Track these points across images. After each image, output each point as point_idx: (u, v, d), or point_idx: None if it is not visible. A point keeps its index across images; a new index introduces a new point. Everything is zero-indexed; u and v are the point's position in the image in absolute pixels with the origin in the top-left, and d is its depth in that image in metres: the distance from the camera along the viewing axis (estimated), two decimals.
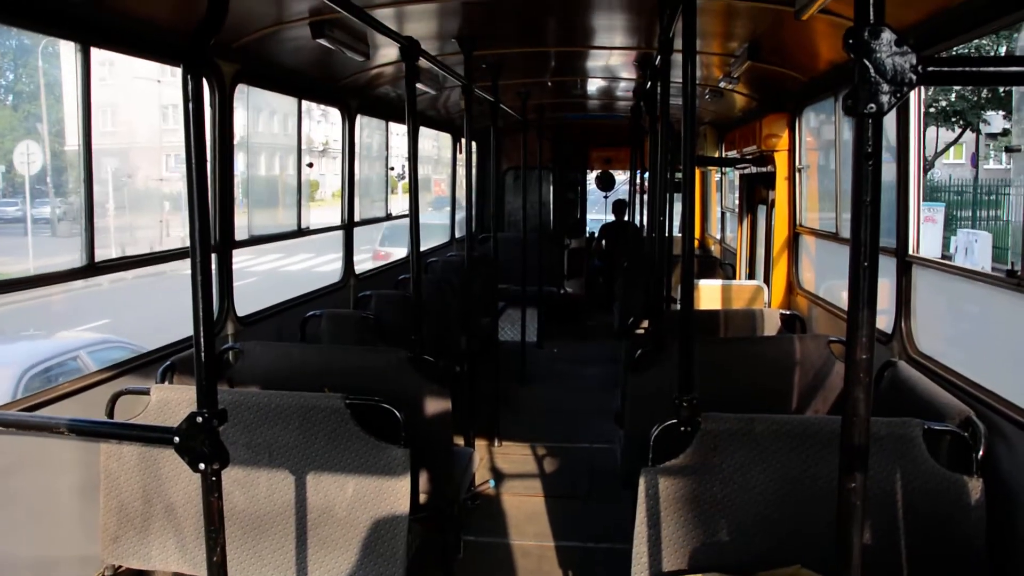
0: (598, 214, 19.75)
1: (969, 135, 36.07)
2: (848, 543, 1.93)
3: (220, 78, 5.34)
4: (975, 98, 32.27)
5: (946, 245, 23.89)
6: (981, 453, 3.37)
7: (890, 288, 4.78)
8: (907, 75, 1.71)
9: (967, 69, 1.79)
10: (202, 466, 2.46)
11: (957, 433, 3.43)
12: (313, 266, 27.71)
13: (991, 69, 1.85)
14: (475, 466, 6.01)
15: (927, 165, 33.55)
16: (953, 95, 32.42)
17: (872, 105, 1.73)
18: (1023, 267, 3.70)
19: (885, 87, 1.72)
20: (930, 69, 1.72)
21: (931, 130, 33.87)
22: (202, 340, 2.48)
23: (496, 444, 7.83)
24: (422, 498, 4.75)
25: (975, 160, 37.44)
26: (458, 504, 5.39)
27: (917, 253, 4.74)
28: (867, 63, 1.72)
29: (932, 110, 32.26)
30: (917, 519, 3.30)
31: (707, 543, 3.41)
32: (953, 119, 33.72)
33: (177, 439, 2.46)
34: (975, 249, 20.80)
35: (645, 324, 6.12)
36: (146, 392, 4.09)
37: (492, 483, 6.89)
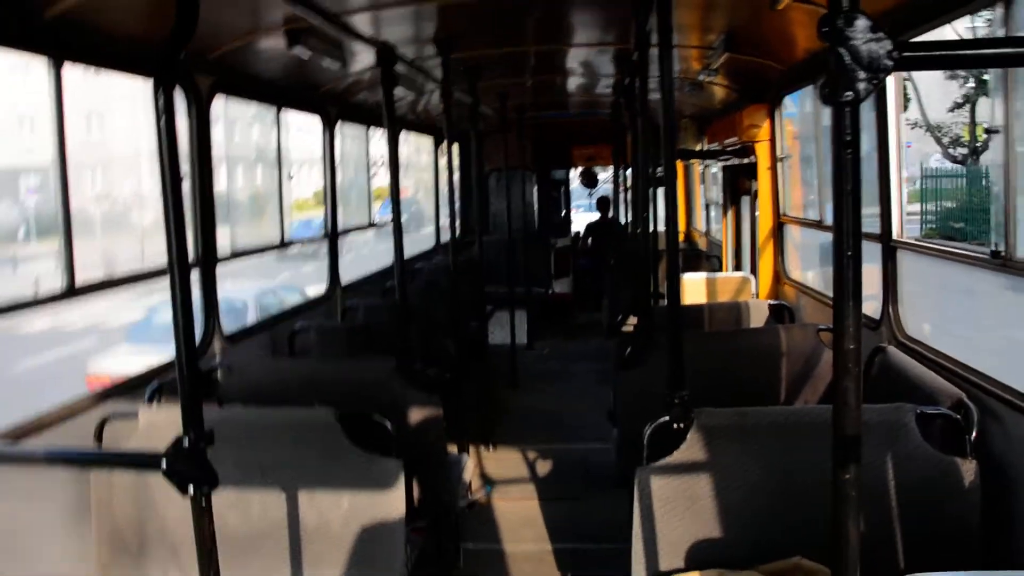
0: (586, 212, 19.71)
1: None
2: (844, 532, 1.91)
3: (197, 90, 5.29)
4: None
5: None
6: (974, 435, 3.37)
7: (876, 273, 4.78)
8: (883, 61, 1.70)
9: (944, 53, 1.77)
10: (191, 490, 2.42)
11: (950, 416, 3.43)
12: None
13: (968, 52, 1.84)
14: (470, 473, 5.98)
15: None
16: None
17: (849, 93, 1.71)
18: (1007, 247, 3.70)
19: (861, 74, 1.70)
20: (906, 54, 1.71)
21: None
22: (184, 360, 2.45)
23: (490, 449, 7.80)
24: (418, 508, 4.72)
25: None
26: (455, 512, 5.36)
27: (901, 237, 4.75)
28: (842, 50, 1.70)
29: None
30: (913, 504, 3.30)
31: (706, 539, 3.39)
32: None
33: (164, 464, 2.42)
34: None
35: (634, 321, 6.11)
36: (134, 416, 4.04)
37: (488, 489, 6.86)
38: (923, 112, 32.47)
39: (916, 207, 30.10)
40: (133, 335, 14.55)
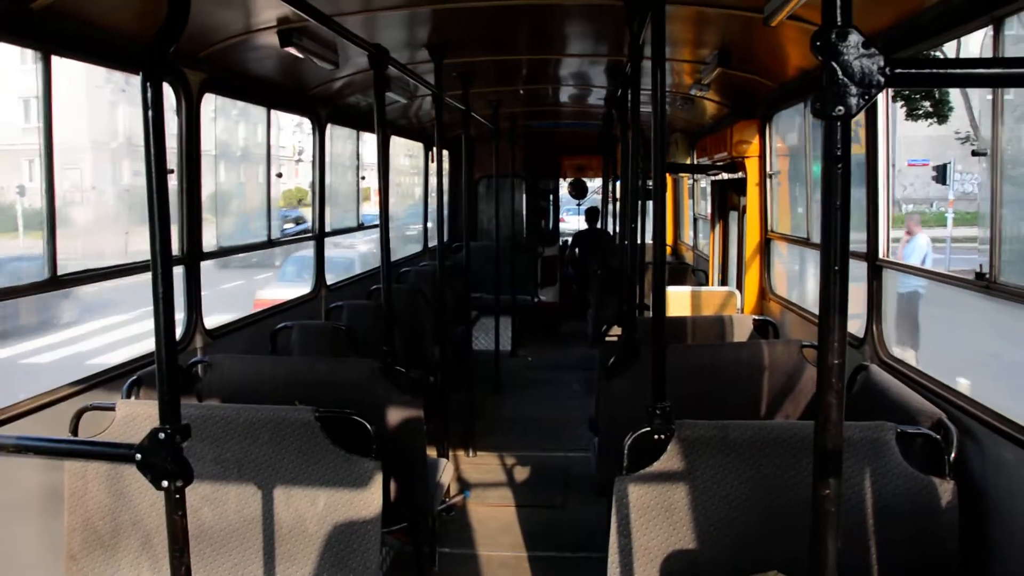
0: (573, 215, 19.66)
1: None
2: (823, 548, 1.91)
3: (187, 87, 5.27)
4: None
5: None
6: (953, 456, 3.39)
7: (860, 292, 4.80)
8: (875, 77, 1.70)
9: (935, 71, 1.78)
10: (165, 483, 2.39)
11: (929, 436, 3.44)
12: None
13: (959, 71, 1.85)
14: (449, 477, 5.96)
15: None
16: None
17: (840, 107, 1.72)
18: (991, 269, 3.72)
19: (853, 89, 1.71)
20: (898, 71, 1.71)
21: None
22: (163, 354, 2.42)
23: (471, 454, 7.78)
24: (395, 510, 4.70)
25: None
26: (432, 516, 5.33)
27: (887, 257, 4.77)
28: (835, 65, 1.71)
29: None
30: (891, 522, 3.30)
31: (683, 550, 3.39)
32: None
33: (139, 456, 2.39)
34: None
35: (618, 331, 6.11)
36: (111, 408, 4.01)
37: (467, 494, 6.84)
38: (974, 124, 29.77)
39: (970, 231, 26.14)
40: (280, 277, 19.57)
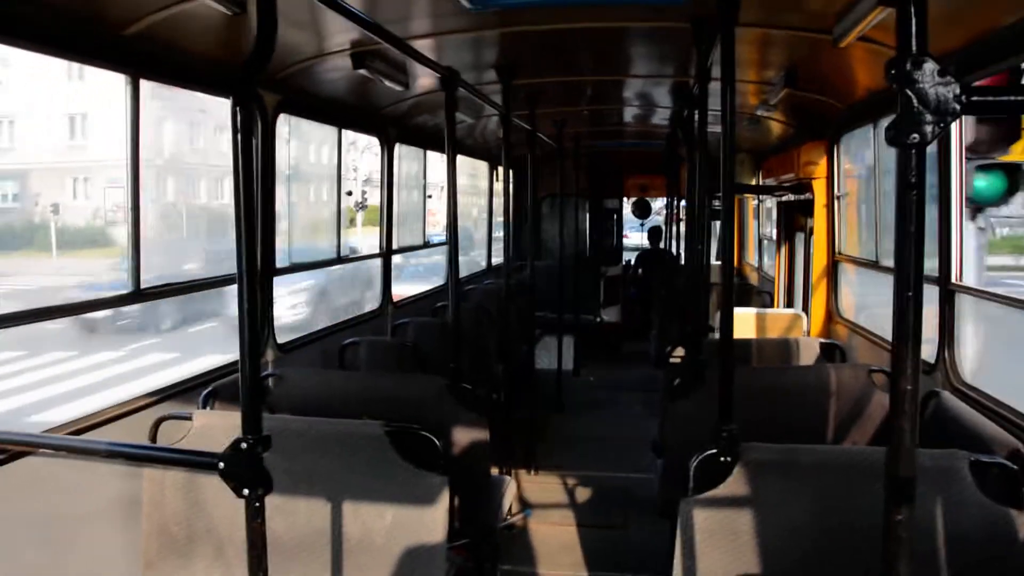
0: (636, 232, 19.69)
1: None
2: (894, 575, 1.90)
3: (263, 108, 5.44)
4: None
5: None
6: None
7: (933, 317, 4.71)
8: (950, 105, 1.71)
9: (1012, 98, 1.78)
10: (246, 492, 2.48)
11: (1005, 465, 3.36)
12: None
13: None
14: (512, 495, 5.99)
15: None
16: None
17: (915, 135, 1.72)
18: None
19: (928, 117, 1.71)
20: (974, 99, 1.71)
21: None
22: (247, 366, 2.51)
23: (532, 473, 7.79)
24: (459, 527, 4.74)
25: None
26: (495, 533, 5.36)
27: (960, 281, 4.68)
28: (910, 93, 1.71)
29: None
30: (964, 553, 3.23)
31: (748, 575, 3.36)
32: None
33: (222, 464, 2.48)
34: None
35: (681, 352, 6.08)
36: (189, 418, 4.14)
37: (528, 512, 6.85)
38: None
39: None
40: (402, 276, 18.74)
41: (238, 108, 2.47)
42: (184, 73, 4.60)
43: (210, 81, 4.72)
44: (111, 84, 4.46)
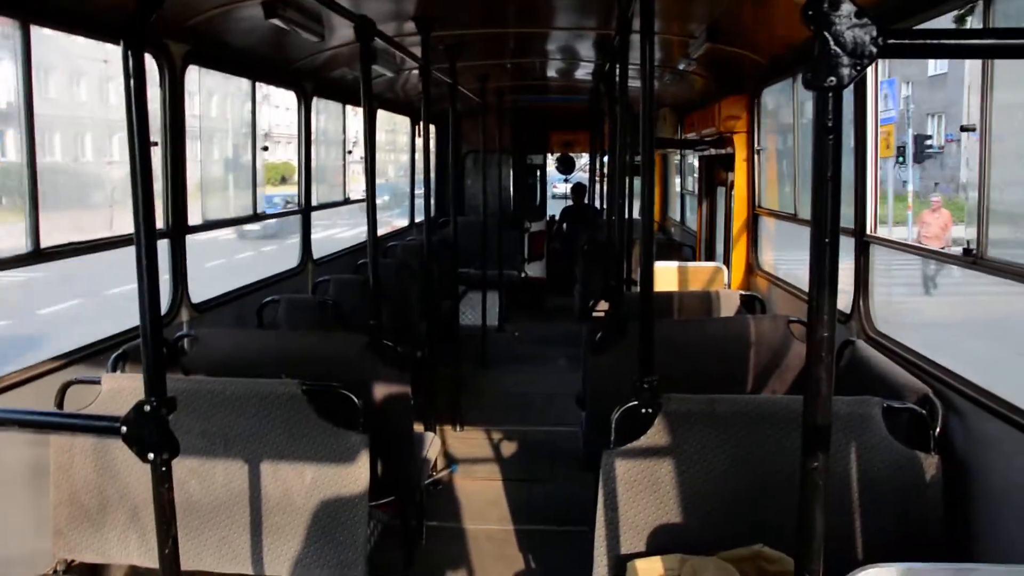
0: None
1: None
2: (810, 521, 1.92)
3: (170, 58, 5.20)
4: None
5: None
6: (938, 430, 3.41)
7: (847, 268, 4.81)
8: (867, 47, 1.68)
9: (929, 42, 1.76)
10: (151, 456, 2.38)
11: (915, 411, 3.46)
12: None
13: (953, 42, 1.83)
14: (436, 451, 5.97)
15: None
16: None
17: (832, 78, 1.70)
18: (979, 245, 3.73)
19: (845, 60, 1.69)
20: (890, 41, 1.69)
21: None
22: (148, 327, 2.40)
23: (457, 429, 7.79)
24: (382, 484, 4.70)
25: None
26: (419, 490, 5.34)
27: (875, 232, 4.77)
28: (827, 35, 1.69)
29: None
30: (877, 496, 3.33)
31: (669, 524, 3.41)
32: None
33: (124, 429, 2.37)
34: None
35: (605, 306, 6.10)
36: (97, 381, 3.98)
37: (454, 468, 6.85)
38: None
39: None
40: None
41: (129, 54, 2.32)
42: (78, 18, 4.34)
43: (105, 27, 4.45)
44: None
